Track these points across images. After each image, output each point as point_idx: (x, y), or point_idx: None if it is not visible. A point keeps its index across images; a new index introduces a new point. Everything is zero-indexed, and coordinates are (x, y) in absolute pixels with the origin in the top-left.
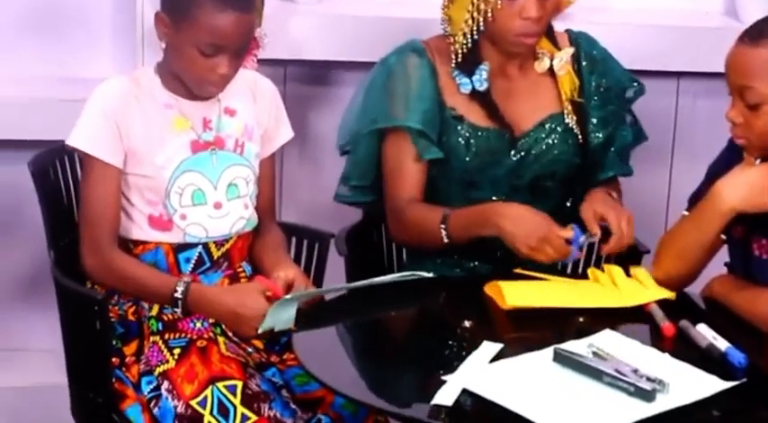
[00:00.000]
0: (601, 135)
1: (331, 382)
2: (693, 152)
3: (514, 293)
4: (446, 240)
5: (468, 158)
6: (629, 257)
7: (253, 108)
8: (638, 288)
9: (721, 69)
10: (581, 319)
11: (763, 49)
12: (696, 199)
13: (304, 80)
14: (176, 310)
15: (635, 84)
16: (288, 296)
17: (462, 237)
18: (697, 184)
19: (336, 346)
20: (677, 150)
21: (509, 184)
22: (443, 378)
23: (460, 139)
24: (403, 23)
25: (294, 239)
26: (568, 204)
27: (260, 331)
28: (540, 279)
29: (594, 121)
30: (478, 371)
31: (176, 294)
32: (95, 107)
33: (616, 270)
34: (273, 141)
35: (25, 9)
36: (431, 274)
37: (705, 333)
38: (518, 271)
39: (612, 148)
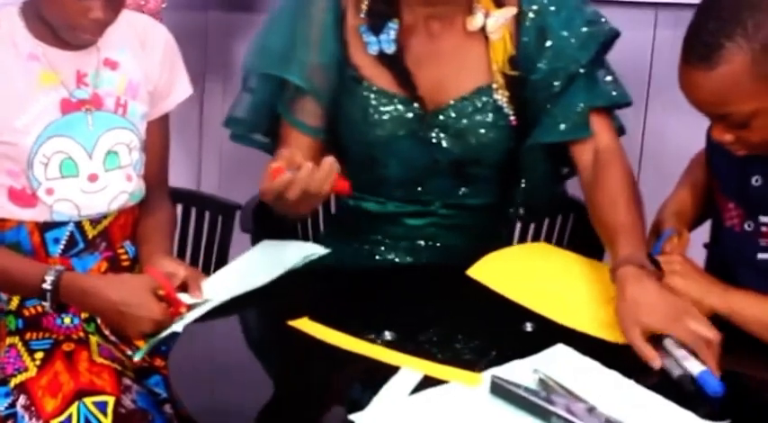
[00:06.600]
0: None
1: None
2: (672, 92)
3: (487, 267)
4: None
5: (366, 129)
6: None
7: (140, 60)
8: None
9: None
10: (529, 328)
11: (722, 66)
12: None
13: (227, 7)
14: (45, 303)
15: (603, 20)
16: (184, 318)
17: None
18: (674, 131)
19: (218, 370)
20: (653, 90)
21: (423, 166)
22: (350, 417)
23: (359, 106)
24: None
25: (194, 210)
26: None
27: (145, 350)
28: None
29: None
30: (395, 407)
31: (45, 285)
32: None
33: None
34: (166, 100)
35: None
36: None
37: (673, 352)
38: None
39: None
